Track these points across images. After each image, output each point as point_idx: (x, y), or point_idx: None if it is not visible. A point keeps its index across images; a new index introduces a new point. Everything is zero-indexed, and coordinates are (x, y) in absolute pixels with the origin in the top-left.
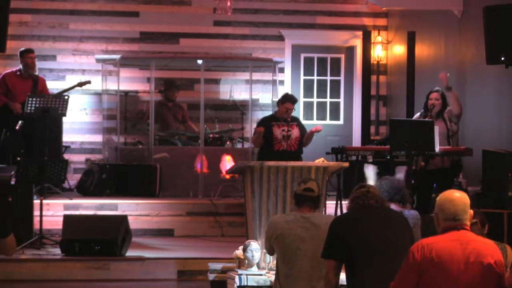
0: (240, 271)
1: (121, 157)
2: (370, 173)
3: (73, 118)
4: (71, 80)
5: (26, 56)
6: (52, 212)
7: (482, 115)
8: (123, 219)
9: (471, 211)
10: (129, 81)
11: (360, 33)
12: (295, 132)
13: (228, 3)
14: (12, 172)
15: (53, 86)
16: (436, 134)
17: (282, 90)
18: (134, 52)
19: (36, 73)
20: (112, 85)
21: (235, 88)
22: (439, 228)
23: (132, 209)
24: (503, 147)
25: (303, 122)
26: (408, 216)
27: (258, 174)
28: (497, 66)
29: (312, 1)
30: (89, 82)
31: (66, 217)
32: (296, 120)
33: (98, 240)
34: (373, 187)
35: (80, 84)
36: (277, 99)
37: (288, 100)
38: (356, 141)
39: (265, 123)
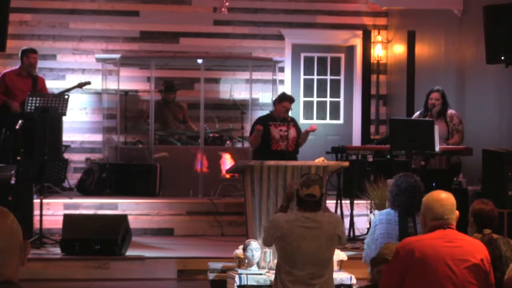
0: (240, 271)
1: (121, 156)
2: None
3: (73, 118)
4: (71, 79)
5: (31, 56)
6: (52, 212)
7: (482, 114)
8: (123, 218)
9: (457, 212)
10: (129, 80)
11: (360, 32)
12: (292, 132)
13: (226, 3)
14: (12, 171)
15: (53, 85)
16: (436, 133)
17: (282, 90)
18: (134, 52)
19: (36, 72)
20: (112, 85)
21: (235, 88)
22: (426, 228)
23: (132, 209)
24: (503, 147)
25: (303, 121)
26: None
27: (258, 174)
28: (497, 65)
29: (312, 1)
30: (89, 83)
31: (66, 217)
32: (292, 120)
33: (98, 240)
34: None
35: (80, 85)
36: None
37: (286, 99)
38: (356, 140)
39: (262, 122)
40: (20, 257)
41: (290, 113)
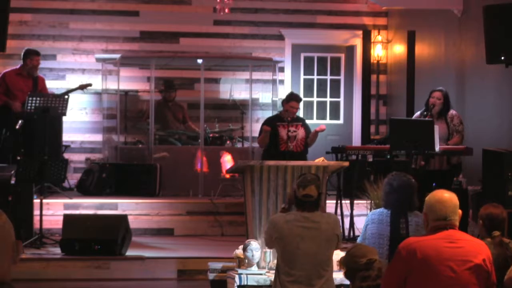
0: (240, 271)
1: (121, 156)
2: None
3: (73, 118)
4: (71, 79)
5: (35, 58)
6: (52, 212)
7: (482, 114)
8: (123, 218)
9: (460, 211)
10: (129, 80)
11: (360, 32)
12: (300, 132)
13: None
14: (12, 172)
15: (53, 85)
16: (436, 133)
17: (282, 90)
18: (134, 52)
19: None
20: (112, 85)
21: (235, 88)
22: (428, 228)
23: (132, 209)
24: (503, 147)
25: None
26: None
27: (258, 173)
28: (497, 65)
29: (312, 1)
30: (90, 84)
31: (66, 217)
32: (301, 120)
33: (98, 240)
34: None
35: (82, 87)
36: (277, 99)
37: (293, 99)
38: (356, 140)
39: (270, 123)
40: (12, 257)
41: None
